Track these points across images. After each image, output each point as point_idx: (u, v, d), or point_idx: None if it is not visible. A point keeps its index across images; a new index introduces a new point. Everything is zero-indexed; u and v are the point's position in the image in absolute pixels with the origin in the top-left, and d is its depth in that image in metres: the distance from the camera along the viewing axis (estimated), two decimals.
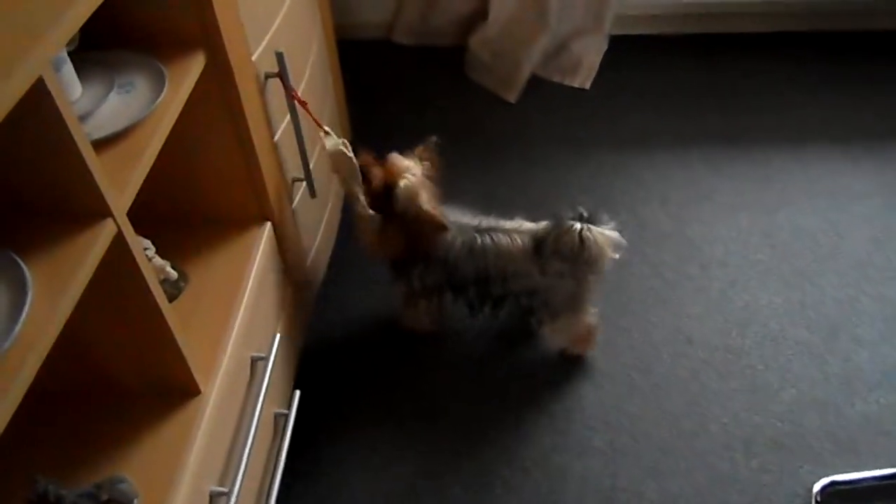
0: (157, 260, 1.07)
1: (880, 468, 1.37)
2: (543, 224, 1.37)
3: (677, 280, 1.73)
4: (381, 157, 1.36)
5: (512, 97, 2.29)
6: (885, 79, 2.32)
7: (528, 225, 1.39)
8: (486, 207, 1.90)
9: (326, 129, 1.23)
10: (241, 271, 1.16)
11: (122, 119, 0.85)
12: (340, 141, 1.24)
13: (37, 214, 0.71)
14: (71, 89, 0.86)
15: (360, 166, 1.30)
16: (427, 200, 1.32)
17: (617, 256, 1.34)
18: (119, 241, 0.75)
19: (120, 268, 0.78)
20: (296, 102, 1.20)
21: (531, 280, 1.36)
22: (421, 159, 1.38)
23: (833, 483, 1.34)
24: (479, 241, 1.36)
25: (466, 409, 1.49)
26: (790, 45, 2.48)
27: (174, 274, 1.10)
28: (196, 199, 1.20)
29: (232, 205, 1.20)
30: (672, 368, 1.54)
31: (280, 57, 1.15)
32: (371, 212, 1.32)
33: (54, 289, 0.66)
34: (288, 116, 1.25)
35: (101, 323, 0.87)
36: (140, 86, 0.91)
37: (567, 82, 2.35)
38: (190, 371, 0.94)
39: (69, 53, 0.86)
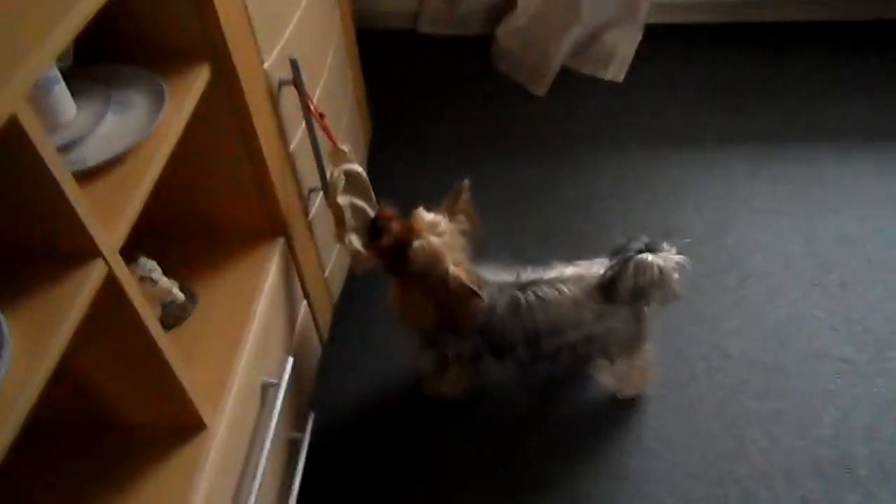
0: (164, 281, 1.01)
1: None
2: (589, 265, 1.27)
3: (714, 291, 1.64)
4: (405, 212, 1.20)
5: (541, 90, 2.19)
6: None
7: (570, 270, 1.27)
8: (514, 209, 1.86)
9: (342, 147, 1.16)
10: (252, 290, 1.10)
11: (119, 143, 0.79)
12: (348, 169, 1.16)
13: (19, 257, 0.66)
14: (64, 110, 0.80)
15: (376, 221, 1.17)
16: (456, 262, 1.15)
17: (678, 277, 1.23)
18: (110, 281, 0.70)
19: (113, 307, 0.73)
20: (312, 115, 1.13)
21: (586, 328, 1.25)
22: (452, 213, 1.21)
23: None
24: (522, 299, 1.23)
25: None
26: (838, 36, 2.34)
27: (181, 296, 1.04)
28: (205, 214, 1.14)
29: (243, 219, 1.14)
30: (708, 387, 1.46)
31: (294, 64, 1.08)
32: (361, 249, 1.18)
33: (37, 341, 0.61)
34: (304, 124, 1.18)
35: (97, 359, 0.82)
36: (139, 104, 0.84)
37: (599, 75, 2.25)
38: (194, 407, 0.88)
39: (62, 71, 0.80)
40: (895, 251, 1.69)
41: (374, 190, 1.84)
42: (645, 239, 1.21)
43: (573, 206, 1.87)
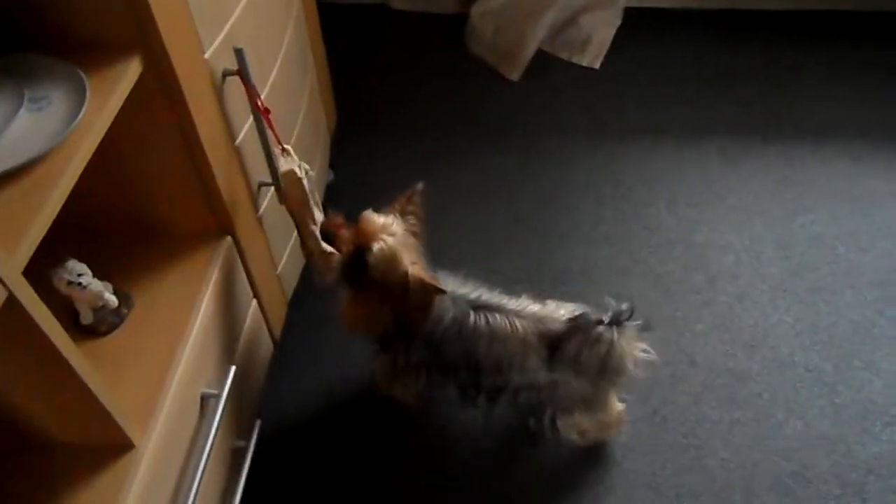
0: (95, 285, 0.94)
1: None
2: (555, 308, 1.16)
3: (682, 293, 1.60)
4: (353, 217, 1.13)
5: (514, 75, 2.12)
6: None
7: (533, 308, 1.16)
8: (483, 199, 1.80)
9: (286, 146, 1.08)
10: (193, 294, 1.03)
11: (32, 146, 0.71)
12: (297, 164, 1.09)
13: None
14: None
15: (326, 230, 1.10)
16: (412, 262, 1.09)
17: (638, 372, 1.16)
18: (12, 304, 0.63)
19: (17, 330, 0.66)
20: (258, 108, 1.06)
21: (532, 375, 1.14)
22: (403, 213, 1.14)
23: None
24: (471, 319, 1.14)
25: None
26: (823, 27, 2.29)
27: (114, 301, 0.97)
28: (143, 213, 1.07)
29: (184, 218, 1.07)
30: (671, 394, 1.43)
31: (240, 53, 1.00)
32: (333, 265, 1.11)
33: None
34: (251, 117, 1.11)
35: (7, 381, 0.75)
36: (57, 101, 0.77)
37: (575, 60, 2.18)
38: (118, 426, 0.82)
39: None
40: (866, 256, 1.67)
41: (338, 175, 1.78)
42: (613, 310, 1.11)
43: (544, 197, 1.82)
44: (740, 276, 1.63)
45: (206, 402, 1.02)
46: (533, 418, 1.24)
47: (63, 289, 0.92)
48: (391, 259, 1.08)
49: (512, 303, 1.17)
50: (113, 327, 0.98)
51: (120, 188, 1.04)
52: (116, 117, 0.82)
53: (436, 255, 1.65)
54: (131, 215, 1.08)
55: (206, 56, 0.96)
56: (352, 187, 1.80)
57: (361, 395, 1.43)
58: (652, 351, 1.17)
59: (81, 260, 0.94)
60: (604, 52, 2.16)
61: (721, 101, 2.06)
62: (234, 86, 1.05)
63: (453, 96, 2.10)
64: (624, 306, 1.11)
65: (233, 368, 1.05)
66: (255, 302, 1.23)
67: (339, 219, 1.12)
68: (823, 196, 1.81)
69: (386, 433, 1.39)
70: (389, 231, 1.10)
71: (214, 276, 1.06)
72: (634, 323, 1.12)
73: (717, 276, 1.63)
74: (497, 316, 1.14)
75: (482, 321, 1.14)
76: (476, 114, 2.05)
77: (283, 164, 1.08)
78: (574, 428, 1.25)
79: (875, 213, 1.76)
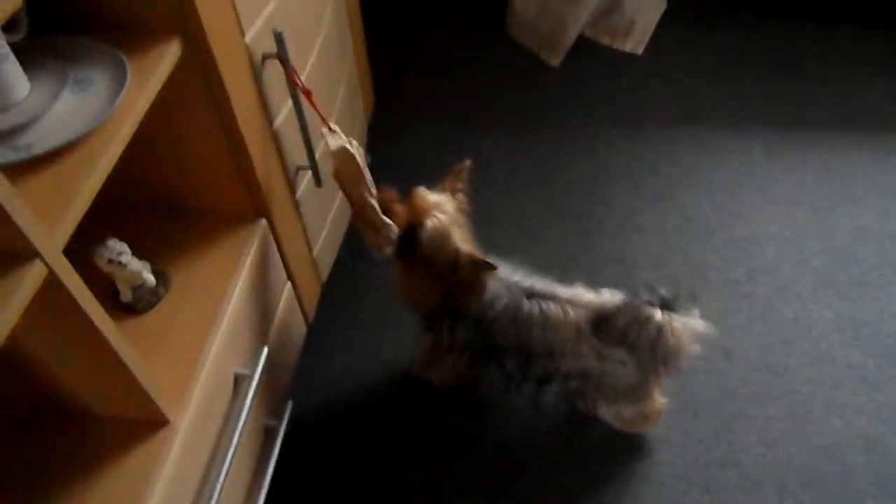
0: (134, 264, 0.96)
1: None
2: (610, 297, 1.15)
3: (720, 284, 1.57)
4: (405, 192, 1.13)
5: (555, 61, 2.10)
6: None
7: (588, 296, 1.16)
8: (520, 185, 1.79)
9: (332, 125, 1.08)
10: (228, 275, 1.05)
11: (74, 126, 0.73)
12: (346, 140, 1.08)
13: None
14: (15, 89, 0.74)
15: (381, 203, 1.09)
16: (463, 240, 1.10)
17: (699, 350, 1.13)
18: (52, 282, 0.65)
19: (57, 307, 0.68)
20: (298, 91, 1.06)
21: (583, 362, 1.15)
22: (453, 192, 1.14)
23: None
24: (525, 307, 1.14)
25: None
26: (880, 11, 2.21)
27: (152, 280, 0.99)
28: (182, 194, 1.09)
29: (221, 200, 1.09)
30: (706, 386, 1.41)
31: (279, 37, 1.00)
32: (390, 233, 1.10)
33: None
34: (290, 100, 1.11)
35: (49, 355, 0.78)
36: (99, 82, 0.78)
37: (617, 46, 2.14)
38: (154, 402, 0.84)
39: (15, 44, 0.73)
40: None
41: (375, 159, 1.78)
42: (665, 293, 1.10)
43: (580, 184, 1.80)
44: (781, 268, 1.60)
45: (239, 381, 1.04)
46: (582, 402, 1.24)
47: (104, 267, 0.94)
48: (444, 236, 1.09)
49: (565, 291, 1.17)
50: (150, 306, 1.00)
51: (159, 169, 1.05)
52: (156, 99, 0.83)
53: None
54: (170, 196, 1.10)
55: (247, 39, 0.97)
56: (389, 171, 1.79)
57: (394, 377, 1.44)
58: (708, 327, 1.13)
59: (121, 239, 0.96)
60: (647, 38, 2.12)
61: (766, 90, 2.01)
62: (274, 69, 1.05)
63: (492, 81, 2.08)
64: (676, 293, 1.10)
65: (265, 349, 1.07)
66: (289, 284, 1.24)
67: (392, 193, 1.13)
68: (871, 190, 1.75)
69: (420, 417, 1.39)
70: (442, 209, 1.10)
71: (249, 258, 1.07)
72: (687, 309, 1.12)
73: (757, 267, 1.60)
74: (551, 304, 1.14)
75: (536, 309, 1.14)
76: (515, 99, 2.03)
77: (333, 142, 1.07)
78: (616, 416, 1.26)
79: None
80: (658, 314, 1.08)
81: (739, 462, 1.31)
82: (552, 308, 1.14)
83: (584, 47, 2.13)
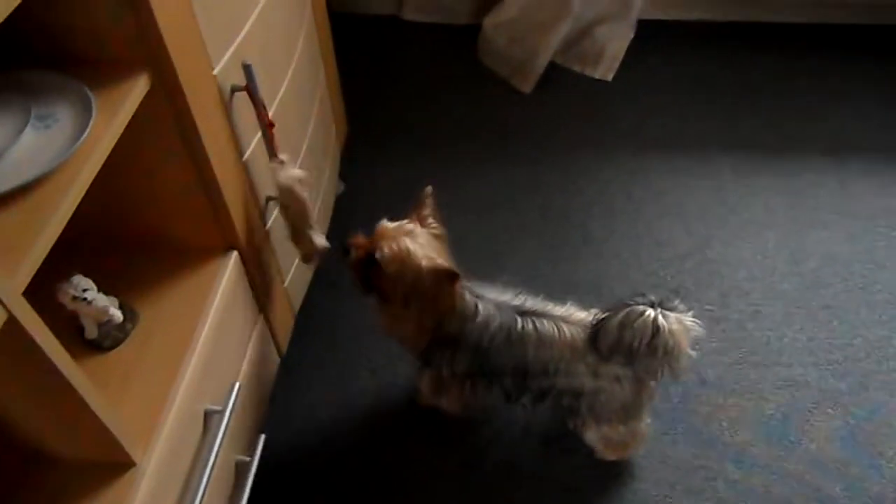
0: (100, 301, 0.94)
1: None
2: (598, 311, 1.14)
3: (694, 309, 1.56)
4: (368, 228, 1.16)
5: (527, 87, 2.11)
6: None
7: (580, 314, 1.16)
8: (493, 212, 1.79)
9: (283, 157, 1.09)
10: (198, 310, 1.03)
11: (36, 164, 0.71)
12: (297, 177, 1.09)
13: None
14: None
15: (346, 244, 1.13)
16: (427, 257, 1.09)
17: (694, 354, 1.11)
18: (12, 326, 0.63)
19: (17, 350, 0.66)
20: (264, 124, 1.06)
21: (577, 380, 1.14)
22: (421, 219, 1.15)
23: None
24: (518, 325, 1.14)
25: None
26: (837, 40, 2.27)
27: (119, 316, 0.97)
28: (150, 226, 1.07)
29: (191, 233, 1.07)
30: (682, 413, 1.41)
31: (248, 69, 0.99)
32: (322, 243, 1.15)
33: None
34: (260, 132, 1.11)
35: (9, 398, 0.75)
36: (64, 118, 0.77)
37: (588, 73, 2.17)
38: (119, 444, 0.82)
39: None
40: (883, 273, 1.64)
41: (349, 186, 1.78)
42: (653, 296, 1.08)
43: (553, 210, 1.80)
44: (752, 291, 1.61)
45: (209, 418, 1.02)
46: (572, 421, 1.24)
47: (68, 303, 0.92)
48: (403, 255, 1.08)
49: (558, 309, 1.17)
50: (117, 342, 0.98)
51: (127, 203, 1.04)
52: (123, 133, 0.82)
53: None
54: (139, 230, 1.08)
55: (215, 72, 0.96)
56: (363, 198, 1.80)
57: (371, 406, 1.42)
58: (700, 323, 1.12)
59: (88, 274, 0.94)
60: (616, 65, 2.15)
61: (734, 115, 2.04)
62: (243, 101, 1.04)
63: (465, 108, 2.09)
64: (667, 295, 1.10)
65: (237, 385, 1.04)
66: (261, 317, 1.22)
67: (359, 237, 1.15)
68: (838, 213, 1.78)
69: (398, 446, 1.37)
70: (403, 232, 1.11)
71: (220, 292, 1.06)
72: (679, 309, 1.10)
73: (729, 291, 1.61)
74: (544, 321, 1.14)
75: (530, 326, 1.13)
76: (487, 125, 2.04)
77: (281, 176, 1.08)
78: (602, 439, 1.25)
79: (891, 233, 1.73)
80: (652, 312, 1.06)
81: (716, 490, 1.30)
82: (546, 325, 1.13)
83: (555, 74, 2.15)
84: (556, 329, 1.13)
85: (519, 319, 1.14)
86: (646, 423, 1.26)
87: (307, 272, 1.45)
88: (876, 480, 1.31)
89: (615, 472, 1.32)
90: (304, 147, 1.36)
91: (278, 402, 1.38)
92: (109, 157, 0.79)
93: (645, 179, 1.88)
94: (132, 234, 1.08)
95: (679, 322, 1.08)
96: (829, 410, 1.41)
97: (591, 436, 1.25)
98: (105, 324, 0.96)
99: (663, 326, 1.06)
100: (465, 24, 2.29)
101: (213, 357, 1.03)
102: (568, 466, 1.33)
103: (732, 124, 2.02)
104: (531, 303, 1.17)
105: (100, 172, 0.77)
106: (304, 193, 1.09)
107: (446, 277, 1.09)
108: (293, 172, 1.10)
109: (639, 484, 1.31)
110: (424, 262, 1.08)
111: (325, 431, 1.40)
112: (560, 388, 1.16)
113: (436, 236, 1.16)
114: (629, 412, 1.19)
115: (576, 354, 1.13)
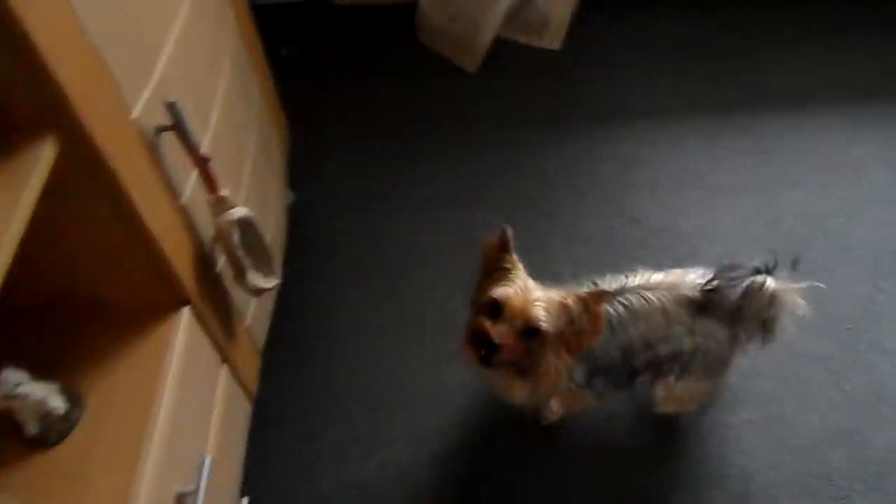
0: (36, 393, 0.82)
1: None
2: (688, 278, 1.13)
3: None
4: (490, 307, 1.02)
5: (472, 66, 2.00)
6: (888, 25, 2.07)
7: (658, 277, 1.13)
8: (456, 205, 1.69)
9: (223, 194, 0.97)
10: (153, 380, 0.91)
11: None
12: (233, 219, 0.98)
13: None
14: None
15: (477, 330, 1.01)
16: (561, 295, 1.01)
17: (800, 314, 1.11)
18: None
19: None
20: (196, 162, 0.94)
21: (677, 343, 1.12)
22: (513, 264, 1.06)
23: None
24: (612, 311, 1.09)
25: None
26: None
27: (62, 404, 0.85)
28: (86, 293, 0.95)
29: (134, 293, 0.95)
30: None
31: (173, 107, 0.87)
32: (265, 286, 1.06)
33: None
34: (197, 169, 0.98)
35: None
36: None
37: (534, 43, 2.07)
38: None
39: None
40: (855, 227, 1.61)
41: (299, 194, 1.66)
42: (765, 260, 1.08)
43: (518, 196, 1.72)
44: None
45: (182, 499, 0.91)
46: (654, 378, 1.22)
47: (0, 403, 0.80)
48: (557, 309, 1.01)
49: (632, 280, 1.13)
50: (64, 434, 0.86)
51: (60, 273, 0.92)
52: (41, 203, 0.69)
53: (414, 270, 1.56)
54: (75, 299, 0.96)
55: (134, 116, 0.83)
56: (315, 204, 1.69)
57: (352, 433, 1.33)
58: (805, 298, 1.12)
59: (21, 359, 0.83)
60: (563, 32, 2.05)
61: (691, 76, 1.97)
62: (173, 140, 0.92)
63: (409, 93, 1.97)
64: (775, 260, 1.08)
65: (208, 459, 0.94)
66: (224, 366, 1.11)
67: (481, 319, 1.02)
68: (806, 168, 1.74)
69: (385, 480, 1.29)
70: (532, 289, 1.02)
71: (175, 354, 0.94)
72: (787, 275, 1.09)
73: (710, 264, 1.54)
74: (630, 297, 1.10)
75: (621, 308, 1.10)
76: (434, 110, 1.93)
77: (217, 219, 0.97)
78: (671, 393, 1.24)
79: (858, 182, 1.70)
80: (771, 282, 1.06)
81: (727, 476, 1.26)
82: (634, 300, 1.10)
83: (501, 48, 2.04)
84: (644, 301, 1.10)
85: (609, 307, 1.09)
86: (726, 376, 1.26)
87: (268, 303, 1.34)
88: (879, 446, 1.29)
89: (624, 459, 1.27)
90: (247, 170, 1.23)
91: (253, 449, 1.27)
92: (30, 229, 0.67)
93: (608, 152, 1.80)
94: (68, 304, 0.96)
95: (792, 293, 1.09)
96: (825, 378, 1.38)
97: (661, 390, 1.24)
98: (47, 416, 0.85)
99: (780, 298, 1.07)
100: (400, 3, 2.16)
101: (176, 431, 0.92)
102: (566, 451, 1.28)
103: (689, 86, 1.95)
104: (606, 285, 1.13)
105: (22, 247, 0.66)
106: (234, 238, 0.98)
107: (596, 300, 1.01)
108: (230, 214, 0.98)
109: (644, 479, 1.25)
110: (565, 299, 1.01)
111: (305, 471, 1.31)
112: (663, 355, 1.13)
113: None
114: (719, 368, 1.20)
115: (670, 319, 1.10)
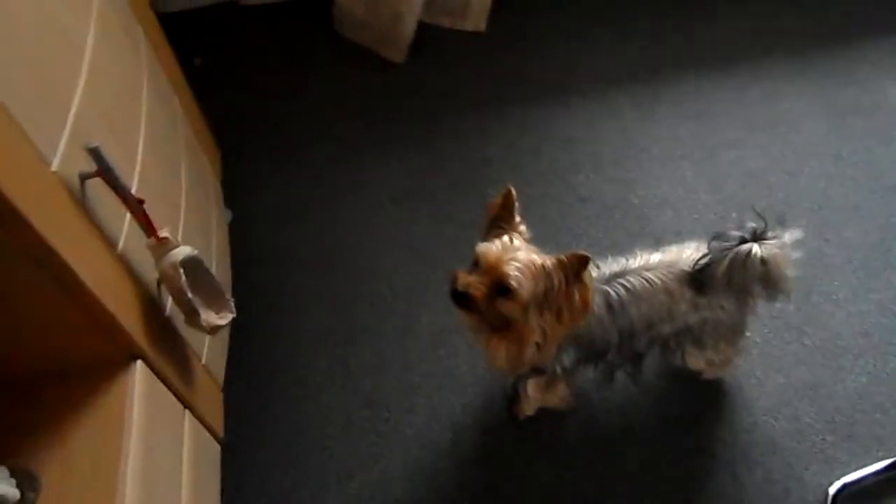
0: None
1: (881, 451, 1.26)
2: (685, 254, 1.12)
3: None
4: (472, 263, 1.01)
5: (398, 56, 1.94)
6: None
7: (658, 257, 1.13)
8: (401, 202, 1.64)
9: (163, 235, 0.91)
10: (112, 448, 0.85)
11: None
12: (176, 260, 0.91)
13: None
14: None
15: (453, 287, 0.99)
16: (544, 260, 0.98)
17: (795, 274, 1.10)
18: None
19: None
20: (129, 207, 0.87)
21: (681, 320, 1.12)
22: (513, 227, 1.04)
23: (844, 486, 1.22)
24: (613, 293, 1.08)
25: None
26: None
27: (15, 491, 0.78)
28: (31, 362, 0.88)
29: (81, 355, 0.88)
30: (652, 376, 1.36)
31: (96, 152, 0.80)
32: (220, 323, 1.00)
33: None
34: (129, 214, 0.91)
35: None
36: None
37: (458, 27, 2.02)
38: None
39: None
40: (796, 181, 1.64)
41: (237, 211, 1.59)
42: (752, 225, 1.07)
43: (462, 186, 1.68)
44: (683, 230, 1.56)
45: None
46: (675, 357, 1.22)
47: None
48: (534, 271, 0.98)
49: (633, 262, 1.12)
50: None
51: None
52: None
53: (364, 271, 1.52)
54: (18, 370, 0.88)
55: (54, 168, 0.76)
56: (256, 218, 1.62)
57: (326, 460, 1.29)
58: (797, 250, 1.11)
59: None
60: (486, 13, 2.01)
61: (621, 44, 1.96)
62: (100, 186, 0.84)
63: (338, 91, 1.90)
64: (764, 222, 1.07)
65: None
66: (188, 413, 1.05)
67: (463, 274, 1.00)
68: (742, 126, 1.76)
69: (362, 493, 1.26)
70: (515, 249, 0.99)
71: (135, 412, 0.89)
72: (777, 233, 1.08)
73: (662, 235, 1.56)
74: (630, 279, 1.10)
75: (622, 290, 1.09)
76: (367, 106, 1.86)
77: (160, 263, 0.91)
78: (707, 362, 1.25)
79: (794, 137, 1.73)
80: (758, 248, 1.05)
81: (705, 451, 1.27)
82: (635, 281, 1.09)
83: (426, 35, 1.98)
84: (645, 281, 1.09)
85: (609, 289, 1.09)
86: (747, 336, 1.25)
87: (224, 336, 1.27)
88: (844, 396, 1.33)
89: (592, 439, 1.27)
90: (183, 202, 1.16)
91: (230, 483, 1.22)
92: None
93: (547, 131, 1.78)
94: (11, 376, 0.88)
95: (782, 248, 1.07)
96: (785, 335, 1.41)
97: (696, 362, 1.25)
98: None
99: (771, 259, 1.05)
100: None
101: (147, 491, 0.86)
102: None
103: (620, 55, 1.94)
104: (607, 267, 1.12)
105: None
106: (181, 281, 0.92)
107: (578, 264, 0.97)
108: (173, 255, 0.92)
109: (630, 462, 1.26)
110: (547, 262, 0.98)
111: (286, 498, 1.26)
112: (666, 333, 1.14)
113: (527, 240, 1.04)
114: (735, 332, 1.20)
115: (673, 297, 1.10)
